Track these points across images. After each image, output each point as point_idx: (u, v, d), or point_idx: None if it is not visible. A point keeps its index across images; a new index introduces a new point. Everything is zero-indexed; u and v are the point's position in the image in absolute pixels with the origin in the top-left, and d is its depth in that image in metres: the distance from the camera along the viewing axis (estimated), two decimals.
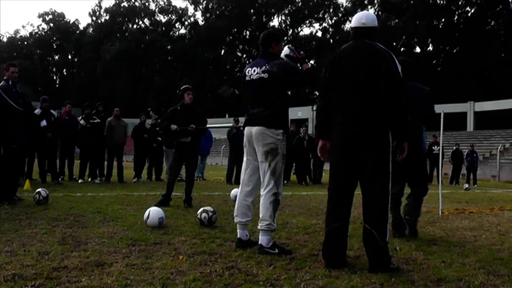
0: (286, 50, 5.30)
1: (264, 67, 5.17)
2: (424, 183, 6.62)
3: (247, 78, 5.36)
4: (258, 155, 5.15)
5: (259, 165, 5.14)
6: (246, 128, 5.31)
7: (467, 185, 19.64)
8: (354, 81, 4.55)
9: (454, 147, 25.20)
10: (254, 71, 5.27)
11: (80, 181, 14.14)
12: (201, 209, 6.65)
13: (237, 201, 5.32)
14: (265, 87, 5.14)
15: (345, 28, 79.59)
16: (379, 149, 4.46)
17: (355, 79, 4.54)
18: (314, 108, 63.34)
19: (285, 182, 17.13)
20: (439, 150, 13.46)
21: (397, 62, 4.51)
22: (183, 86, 9.38)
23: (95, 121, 14.51)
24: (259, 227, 5.03)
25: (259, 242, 4.97)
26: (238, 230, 5.25)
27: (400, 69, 4.50)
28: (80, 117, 14.83)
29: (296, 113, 58.56)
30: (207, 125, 9.63)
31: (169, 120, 9.08)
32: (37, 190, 8.49)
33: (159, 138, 16.36)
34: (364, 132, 4.46)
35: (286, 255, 4.82)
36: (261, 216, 5.01)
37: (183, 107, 9.13)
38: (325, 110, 4.79)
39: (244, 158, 5.37)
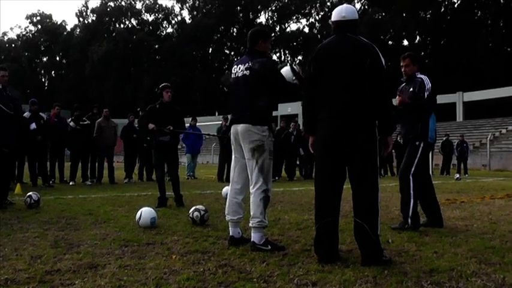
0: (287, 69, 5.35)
1: (247, 64, 5.17)
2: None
3: (232, 75, 5.37)
4: (244, 153, 5.14)
5: (246, 162, 5.13)
6: (232, 126, 5.29)
7: (458, 175, 19.74)
8: (339, 76, 4.52)
9: (444, 138, 25.30)
10: (239, 68, 5.27)
11: (71, 183, 14.09)
12: (193, 208, 6.64)
13: (227, 200, 5.32)
14: (247, 85, 5.13)
15: None
16: (366, 144, 4.45)
17: (340, 74, 4.52)
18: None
19: (276, 178, 17.18)
20: None
21: (381, 56, 4.48)
22: (162, 84, 9.20)
23: (85, 123, 14.47)
24: (250, 225, 5.04)
25: (252, 239, 4.98)
26: (230, 228, 5.25)
27: (384, 63, 4.49)
28: (69, 119, 14.79)
29: (286, 108, 58.52)
30: (200, 129, 9.54)
31: (147, 118, 8.97)
32: (28, 194, 8.45)
33: (148, 138, 16.33)
34: (350, 127, 4.45)
35: (279, 252, 4.83)
36: (252, 213, 5.02)
37: (162, 105, 9.01)
38: (311, 106, 4.78)
39: (233, 156, 5.36)
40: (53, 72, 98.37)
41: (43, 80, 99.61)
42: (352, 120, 4.45)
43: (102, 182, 14.75)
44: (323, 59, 4.66)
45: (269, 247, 4.90)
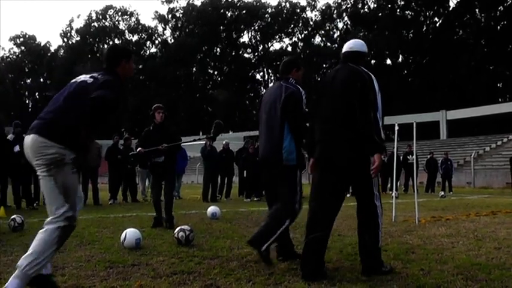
0: None
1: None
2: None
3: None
4: None
5: None
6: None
7: (442, 193, 19.78)
8: (332, 102, 4.78)
9: (429, 156, 25.43)
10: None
11: None
12: (178, 228, 6.61)
13: None
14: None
15: (315, 42, 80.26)
16: (358, 165, 4.63)
17: (333, 99, 4.77)
18: None
19: (263, 197, 17.17)
20: (413, 159, 13.57)
21: (375, 82, 4.65)
22: (154, 105, 9.20)
23: None
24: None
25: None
26: None
27: (377, 89, 4.64)
28: None
29: None
30: (182, 142, 9.48)
31: (142, 142, 8.96)
32: (12, 217, 8.36)
33: (132, 159, 16.31)
34: (338, 148, 4.66)
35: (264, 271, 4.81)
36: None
37: (155, 126, 9.00)
38: (312, 129, 5.00)
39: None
40: (37, 94, 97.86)
41: (27, 101, 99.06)
42: (340, 142, 4.66)
43: (86, 204, 14.64)
44: (322, 84, 5.07)
45: None
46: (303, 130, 5.33)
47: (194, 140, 13.16)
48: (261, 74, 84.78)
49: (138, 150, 8.86)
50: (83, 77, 4.18)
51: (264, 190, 5.80)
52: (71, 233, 3.98)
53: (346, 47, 5.04)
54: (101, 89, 3.84)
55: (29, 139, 3.90)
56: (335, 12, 77.15)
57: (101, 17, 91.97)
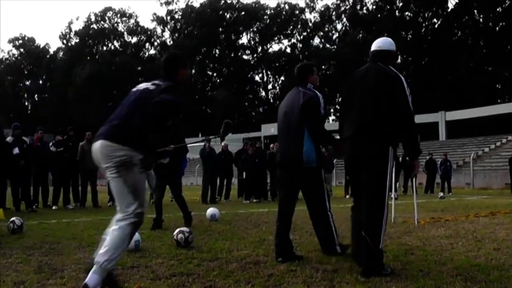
0: None
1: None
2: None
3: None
4: None
5: None
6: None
7: (442, 194, 19.79)
8: (359, 100, 4.93)
9: (428, 157, 25.41)
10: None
11: (54, 208, 13.97)
12: (177, 230, 6.61)
13: None
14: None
15: (314, 43, 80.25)
16: (376, 165, 4.80)
17: (360, 98, 4.93)
18: None
19: (262, 199, 17.22)
20: None
21: (405, 84, 4.80)
22: None
23: (59, 149, 14.33)
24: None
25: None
26: None
27: (408, 92, 4.79)
28: (50, 143, 14.67)
29: (269, 129, 58.63)
30: (192, 143, 9.60)
31: None
32: (11, 219, 8.34)
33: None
34: (361, 148, 4.87)
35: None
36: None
37: None
38: (341, 124, 5.24)
39: None
40: (36, 96, 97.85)
41: (26, 103, 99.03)
42: (364, 142, 4.85)
43: (85, 206, 14.65)
44: (351, 82, 5.19)
45: None
46: (322, 134, 5.53)
47: (203, 140, 13.18)
48: (260, 75, 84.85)
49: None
50: (144, 85, 4.42)
51: (278, 191, 5.91)
52: (140, 227, 4.26)
53: (374, 46, 5.16)
54: (165, 93, 4.08)
55: (97, 145, 4.16)
56: (334, 13, 77.16)
57: (99, 19, 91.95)
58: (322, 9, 79.17)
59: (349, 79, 5.22)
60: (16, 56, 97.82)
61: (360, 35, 69.86)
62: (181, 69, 4.61)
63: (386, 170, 4.80)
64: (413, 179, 11.83)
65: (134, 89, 4.44)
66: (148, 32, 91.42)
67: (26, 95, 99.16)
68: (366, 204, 4.82)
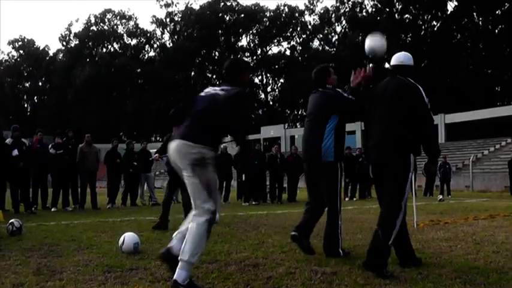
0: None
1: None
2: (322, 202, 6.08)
3: None
4: None
5: None
6: None
7: (441, 196, 19.79)
8: (382, 112, 5.32)
9: (427, 159, 25.34)
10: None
11: (53, 209, 13.95)
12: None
13: None
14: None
15: (313, 46, 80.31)
16: (396, 170, 5.14)
17: (383, 110, 5.30)
18: (286, 127, 63.76)
19: (261, 201, 17.22)
20: None
21: (423, 95, 5.20)
22: None
23: (59, 151, 14.29)
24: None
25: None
26: None
27: (427, 101, 5.20)
28: (50, 145, 14.65)
29: (268, 131, 58.65)
30: None
31: (163, 147, 9.25)
32: (10, 221, 8.32)
33: (135, 163, 16.34)
34: (384, 156, 5.22)
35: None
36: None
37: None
38: (366, 135, 5.63)
39: None
40: (35, 97, 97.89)
41: (25, 105, 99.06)
42: (386, 151, 5.21)
43: (84, 208, 14.64)
44: (374, 96, 5.49)
45: None
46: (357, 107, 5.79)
47: (231, 141, 13.20)
48: (260, 77, 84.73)
49: (154, 156, 9.04)
50: (212, 90, 4.76)
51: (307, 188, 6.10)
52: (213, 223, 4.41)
53: (395, 60, 5.50)
54: (238, 102, 4.48)
55: (173, 144, 4.43)
56: (333, 16, 77.15)
57: (99, 21, 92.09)
58: (322, 11, 79.33)
59: (372, 93, 5.53)
60: (16, 57, 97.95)
61: (360, 38, 69.83)
62: (242, 72, 4.91)
63: (407, 176, 5.15)
64: (413, 181, 11.81)
65: (202, 94, 4.77)
66: (148, 34, 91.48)
67: (25, 97, 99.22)
68: (385, 204, 5.16)
